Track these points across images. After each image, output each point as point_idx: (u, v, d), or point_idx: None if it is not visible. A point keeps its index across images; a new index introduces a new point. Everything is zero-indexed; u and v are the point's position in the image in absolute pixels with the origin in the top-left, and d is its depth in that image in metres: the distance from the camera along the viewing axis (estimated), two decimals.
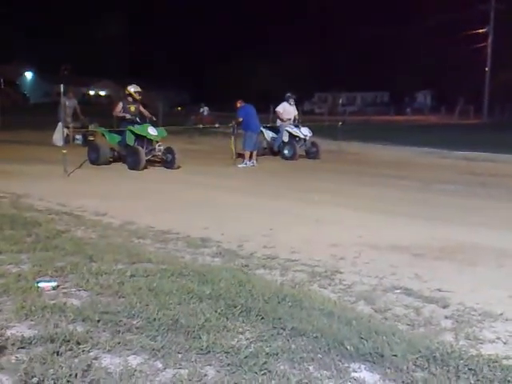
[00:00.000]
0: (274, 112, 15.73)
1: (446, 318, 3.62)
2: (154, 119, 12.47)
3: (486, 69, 41.99)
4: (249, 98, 14.78)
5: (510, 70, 39.69)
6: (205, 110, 27.89)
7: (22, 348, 2.89)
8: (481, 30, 41.92)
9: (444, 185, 10.48)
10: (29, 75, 62.48)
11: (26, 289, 3.74)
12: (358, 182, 10.75)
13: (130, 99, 11.93)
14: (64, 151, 10.30)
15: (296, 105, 15.43)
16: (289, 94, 15.06)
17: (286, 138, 14.78)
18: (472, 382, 2.69)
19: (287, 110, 14.90)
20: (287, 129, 14.77)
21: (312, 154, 14.94)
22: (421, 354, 2.91)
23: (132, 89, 11.95)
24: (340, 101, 30.72)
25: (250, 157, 12.99)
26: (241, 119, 13.20)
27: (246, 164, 12.72)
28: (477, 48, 41.66)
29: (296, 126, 14.90)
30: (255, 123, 13.34)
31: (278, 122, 15.18)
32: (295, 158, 14.39)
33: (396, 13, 51.36)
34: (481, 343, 3.22)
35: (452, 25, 39.92)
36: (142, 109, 12.09)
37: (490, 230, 6.39)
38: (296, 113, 15.13)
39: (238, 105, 13.36)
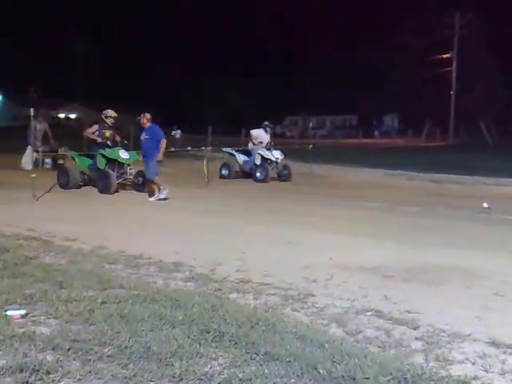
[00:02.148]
0: (247, 135, 15.97)
1: (416, 339, 3.68)
2: (126, 142, 12.44)
3: (452, 92, 43.24)
4: (221, 120, 14.94)
5: (474, 91, 40.93)
6: (177, 133, 27.85)
7: None
8: (445, 56, 43.29)
9: (411, 206, 10.69)
10: None
11: None
12: (328, 203, 10.88)
13: (106, 125, 11.86)
14: (33, 175, 10.16)
15: (271, 134, 15.77)
16: (266, 123, 15.52)
17: (258, 161, 14.93)
18: None
19: (261, 136, 15.18)
20: (259, 152, 14.93)
21: (284, 176, 15.11)
22: (392, 377, 2.95)
23: (107, 114, 11.90)
24: (310, 124, 31.19)
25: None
26: (165, 140, 11.14)
27: (164, 194, 10.57)
28: (442, 72, 42.95)
29: (268, 149, 15.08)
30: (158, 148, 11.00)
31: (250, 145, 15.37)
32: (267, 180, 14.53)
33: (363, 37, 52.64)
34: (450, 364, 3.28)
35: (418, 50, 41.10)
36: (115, 133, 12.06)
37: (456, 251, 6.54)
38: (269, 140, 15.39)
39: (145, 121, 11.10)
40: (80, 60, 61.58)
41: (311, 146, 18.52)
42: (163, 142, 10.99)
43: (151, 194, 10.89)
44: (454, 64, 43.11)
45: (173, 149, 23.08)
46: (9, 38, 55.77)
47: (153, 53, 60.78)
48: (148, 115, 11.11)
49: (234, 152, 15.66)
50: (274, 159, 14.97)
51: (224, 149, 16.19)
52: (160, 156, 10.93)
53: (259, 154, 14.92)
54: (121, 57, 61.43)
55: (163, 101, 56.81)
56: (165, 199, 10.48)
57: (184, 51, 61.19)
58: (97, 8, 62.70)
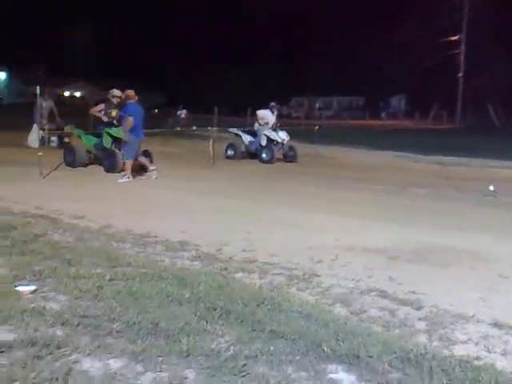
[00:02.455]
0: (254, 115, 15.92)
1: (420, 319, 3.72)
2: None
3: (459, 75, 42.83)
4: (224, 100, 14.86)
5: (482, 77, 40.55)
6: (183, 112, 27.82)
7: (1, 352, 2.89)
8: (454, 38, 42.77)
9: (418, 189, 10.68)
10: (2, 75, 61.47)
11: (5, 293, 3.72)
12: (333, 185, 10.89)
13: (112, 104, 11.81)
14: (39, 153, 10.19)
15: (277, 114, 15.70)
16: (273, 104, 15.47)
17: (263, 142, 14.90)
18: (445, 382, 2.77)
19: (267, 117, 15.14)
20: (265, 133, 14.89)
21: (290, 157, 15.09)
22: (396, 355, 2.99)
23: (112, 93, 11.84)
24: (317, 105, 31.03)
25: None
26: (131, 118, 10.60)
27: (128, 178, 10.29)
28: (450, 55, 42.49)
29: (274, 130, 15.04)
30: (140, 128, 10.85)
31: (256, 126, 15.33)
32: (273, 161, 14.51)
33: (371, 20, 51.99)
34: (453, 344, 3.32)
35: (426, 32, 40.61)
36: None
37: (463, 233, 6.55)
38: (275, 121, 15.34)
39: (128, 98, 10.73)
40: (80, 60, 61.18)
41: (317, 127, 18.42)
42: (127, 121, 10.60)
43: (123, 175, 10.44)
44: (463, 47, 42.60)
45: (178, 128, 23.11)
46: (9, 38, 55.39)
47: (153, 53, 60.25)
48: (129, 92, 10.81)
49: (239, 132, 15.63)
50: (279, 140, 14.93)
51: (230, 129, 16.15)
52: (124, 135, 10.77)
53: (265, 134, 14.88)
54: (121, 57, 60.96)
55: (165, 80, 56.59)
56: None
57: (184, 51, 60.63)
58: (97, 8, 62.16)
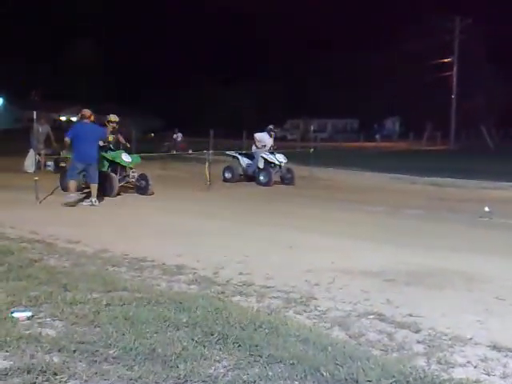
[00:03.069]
0: (248, 138, 16.00)
1: (418, 342, 3.71)
2: (128, 146, 12.49)
3: (453, 96, 43.33)
4: (222, 123, 14.97)
5: (474, 98, 41.07)
6: (178, 135, 27.95)
7: None
8: (446, 60, 43.40)
9: (413, 210, 10.72)
10: None
11: (1, 319, 3.70)
12: (330, 207, 10.92)
13: (110, 128, 11.90)
14: (36, 178, 10.20)
15: (275, 138, 15.80)
16: (270, 127, 15.54)
17: (261, 165, 14.97)
18: None
19: (265, 140, 15.23)
20: (263, 155, 14.97)
21: (287, 180, 15.14)
22: (395, 379, 2.98)
23: (108, 119, 11.95)
24: (311, 127, 31.26)
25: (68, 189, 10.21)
26: (68, 140, 10.31)
27: (71, 198, 9.91)
28: (443, 76, 43.06)
29: (271, 153, 15.12)
30: (84, 150, 10.10)
31: (253, 149, 15.41)
32: (270, 184, 14.55)
33: (364, 42, 52.80)
34: (452, 367, 3.31)
35: (418, 54, 41.25)
36: (119, 136, 12.11)
37: (458, 254, 6.57)
38: (272, 144, 15.44)
39: (82, 117, 10.39)
40: (80, 85, 61.66)
41: (312, 149, 18.54)
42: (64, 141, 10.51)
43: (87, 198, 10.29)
44: (455, 68, 43.20)
45: (174, 152, 23.23)
46: (9, 38, 55.85)
47: (153, 53, 60.89)
48: (84, 111, 10.39)
49: (237, 155, 15.71)
50: (277, 163, 15.00)
51: (227, 152, 16.23)
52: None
53: (262, 157, 14.96)
54: (121, 57, 61.54)
55: (163, 105, 56.98)
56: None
57: (184, 51, 61.27)
58: (97, 8, 62.84)
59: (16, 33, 58.26)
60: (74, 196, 10.08)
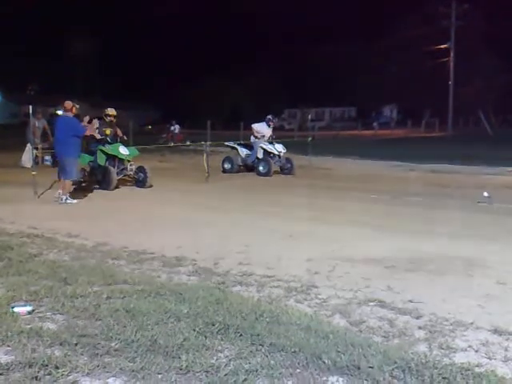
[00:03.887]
0: (246, 128, 15.94)
1: (420, 328, 3.71)
2: (125, 138, 12.45)
3: (450, 83, 43.18)
4: (221, 114, 14.92)
5: (472, 84, 40.92)
6: (176, 127, 27.88)
7: (0, 374, 2.86)
8: (443, 46, 43.19)
9: (412, 197, 10.71)
10: None
11: (1, 314, 3.69)
12: (329, 196, 10.90)
13: (106, 121, 11.86)
14: (33, 173, 10.17)
15: (273, 128, 15.72)
16: (269, 117, 15.40)
17: (260, 155, 14.93)
18: None
19: (263, 130, 15.15)
20: (262, 145, 14.93)
21: (287, 169, 15.10)
22: (396, 365, 2.98)
23: (106, 112, 11.91)
24: (309, 116, 31.08)
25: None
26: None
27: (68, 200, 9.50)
28: (440, 63, 42.88)
29: (270, 143, 15.08)
30: (58, 144, 9.75)
31: (252, 139, 15.36)
32: (270, 174, 14.51)
33: (364, 28, 52.62)
34: (453, 352, 3.32)
35: (415, 40, 41.03)
36: (117, 129, 12.07)
37: (458, 240, 6.57)
38: (271, 134, 15.39)
39: (65, 110, 9.91)
40: (79, 60, 61.33)
41: (310, 138, 18.51)
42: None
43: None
44: (452, 54, 43.01)
45: (172, 144, 23.16)
46: (9, 38, 55.58)
47: (151, 45, 60.62)
48: (66, 103, 9.85)
49: (236, 146, 15.66)
50: (276, 153, 14.96)
51: (226, 143, 16.18)
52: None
53: (261, 147, 14.92)
54: (119, 50, 61.27)
55: (162, 96, 56.83)
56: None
57: (184, 51, 61.05)
58: (96, 7, 62.53)
59: (13, 26, 57.97)
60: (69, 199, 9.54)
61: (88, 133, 10.54)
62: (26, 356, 3.05)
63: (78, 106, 10.15)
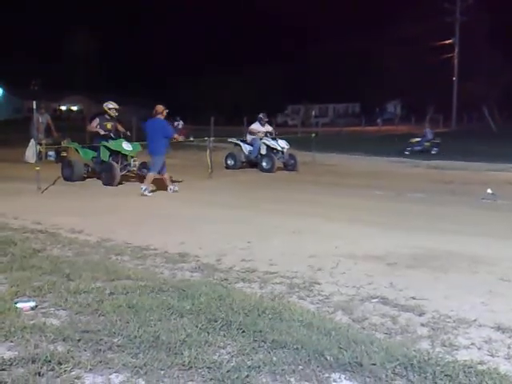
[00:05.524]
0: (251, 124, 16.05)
1: (422, 325, 3.71)
2: (129, 134, 12.46)
3: (454, 78, 43.01)
4: (222, 110, 14.95)
5: (476, 80, 40.72)
6: (179, 123, 27.84)
7: (2, 370, 2.87)
8: (447, 41, 42.99)
9: (416, 193, 10.69)
10: None
11: (5, 310, 3.70)
12: (333, 192, 10.89)
13: (107, 116, 11.86)
14: (37, 168, 10.19)
15: (269, 122, 15.75)
16: (260, 116, 15.46)
17: (263, 151, 14.93)
18: None
19: (259, 128, 15.25)
20: (264, 141, 14.93)
21: (290, 166, 15.08)
22: (399, 362, 2.98)
23: (109, 106, 11.89)
24: (313, 112, 31.02)
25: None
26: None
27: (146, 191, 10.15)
28: (444, 58, 42.69)
29: (273, 139, 15.07)
30: (149, 144, 10.65)
31: (249, 138, 15.37)
32: (273, 170, 14.51)
33: (367, 24, 52.44)
34: (456, 349, 3.31)
35: (419, 36, 40.84)
36: (117, 125, 12.06)
37: (462, 237, 6.55)
38: (270, 129, 15.40)
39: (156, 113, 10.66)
40: (79, 73, 61.36)
41: (314, 134, 18.46)
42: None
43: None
44: (456, 50, 42.80)
45: (174, 139, 23.12)
46: (9, 38, 55.64)
47: (153, 40, 60.62)
48: (158, 107, 10.65)
49: (239, 142, 15.66)
50: (279, 148, 14.94)
51: (230, 139, 16.18)
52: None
53: (265, 143, 14.91)
54: (121, 44, 61.31)
55: (164, 92, 56.83)
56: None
57: (184, 51, 60.99)
58: (96, 7, 62.56)
59: (15, 23, 58.02)
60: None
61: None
62: (29, 352, 3.06)
63: (167, 110, 10.98)
